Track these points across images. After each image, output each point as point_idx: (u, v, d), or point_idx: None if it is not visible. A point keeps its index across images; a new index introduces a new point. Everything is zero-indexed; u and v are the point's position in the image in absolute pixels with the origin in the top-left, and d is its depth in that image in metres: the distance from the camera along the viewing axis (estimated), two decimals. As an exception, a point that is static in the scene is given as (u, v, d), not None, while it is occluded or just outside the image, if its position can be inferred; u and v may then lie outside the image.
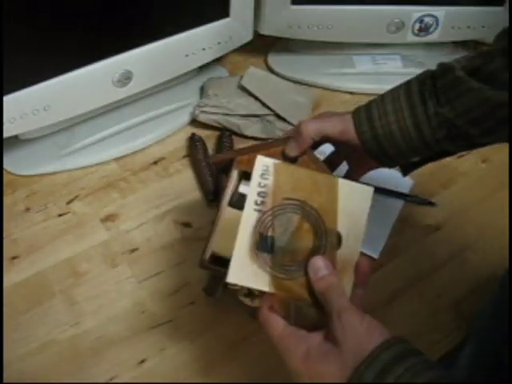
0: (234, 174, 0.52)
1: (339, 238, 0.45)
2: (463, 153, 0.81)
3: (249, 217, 0.45)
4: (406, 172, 0.60)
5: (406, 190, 0.76)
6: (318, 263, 0.43)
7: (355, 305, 0.42)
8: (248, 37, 0.84)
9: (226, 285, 0.61)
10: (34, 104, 0.67)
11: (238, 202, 0.50)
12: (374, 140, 0.53)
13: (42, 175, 0.76)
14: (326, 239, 0.45)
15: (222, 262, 0.48)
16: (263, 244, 0.44)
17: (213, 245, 0.50)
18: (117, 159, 0.79)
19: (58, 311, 0.63)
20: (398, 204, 0.75)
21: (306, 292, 0.44)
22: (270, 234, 0.44)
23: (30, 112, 0.67)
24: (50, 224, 0.71)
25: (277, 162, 0.46)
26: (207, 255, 0.50)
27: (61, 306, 0.64)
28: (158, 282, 0.66)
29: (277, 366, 0.60)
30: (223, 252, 0.49)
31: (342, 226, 0.46)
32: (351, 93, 0.91)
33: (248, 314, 0.62)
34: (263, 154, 0.47)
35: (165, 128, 0.82)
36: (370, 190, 0.47)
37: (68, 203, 0.73)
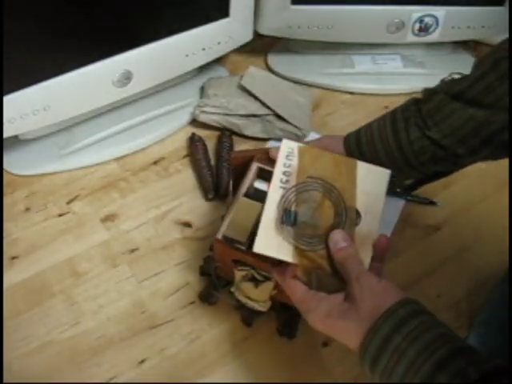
0: (254, 168, 0.56)
1: (358, 215, 0.49)
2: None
3: (274, 193, 0.49)
4: (403, 193, 0.68)
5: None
6: (338, 236, 0.47)
7: None
8: (248, 37, 0.84)
9: (223, 289, 0.62)
10: (33, 104, 0.67)
11: (253, 194, 0.55)
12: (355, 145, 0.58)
13: (41, 175, 0.76)
14: (346, 215, 0.48)
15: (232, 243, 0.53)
16: (287, 218, 0.48)
17: (225, 229, 0.54)
18: (117, 159, 0.79)
19: (57, 311, 0.63)
20: (400, 203, 0.75)
21: (327, 262, 0.47)
22: (293, 209, 0.48)
23: (30, 112, 0.67)
24: (50, 224, 0.71)
25: (301, 144, 0.51)
26: (219, 236, 0.54)
27: (61, 305, 0.64)
28: (158, 281, 0.66)
29: (277, 366, 0.60)
30: (234, 235, 0.54)
31: (361, 204, 0.49)
32: (351, 93, 0.91)
33: (243, 321, 0.62)
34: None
35: (165, 128, 0.82)
36: (387, 172, 0.51)
37: (68, 203, 0.73)
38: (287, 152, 0.50)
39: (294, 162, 0.50)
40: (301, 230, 0.47)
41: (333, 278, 0.46)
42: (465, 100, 0.51)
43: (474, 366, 0.37)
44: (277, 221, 0.48)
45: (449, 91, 0.53)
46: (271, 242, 0.47)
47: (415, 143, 0.54)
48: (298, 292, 0.47)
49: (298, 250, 0.47)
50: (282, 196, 0.48)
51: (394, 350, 0.40)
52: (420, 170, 0.57)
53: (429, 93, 0.55)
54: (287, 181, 0.49)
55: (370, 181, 0.50)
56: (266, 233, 0.47)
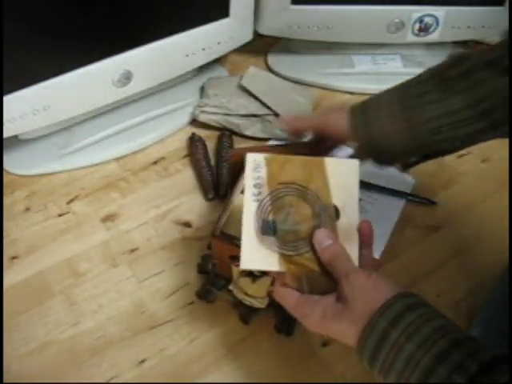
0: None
1: (337, 210, 0.49)
2: (463, 152, 0.81)
3: (249, 207, 0.48)
4: (405, 169, 0.61)
5: (407, 189, 0.76)
6: (321, 235, 0.47)
7: (365, 264, 0.47)
8: (248, 37, 0.84)
9: (221, 288, 0.63)
10: (33, 104, 0.67)
11: None
12: (369, 143, 0.54)
13: (41, 175, 0.76)
14: (325, 214, 0.48)
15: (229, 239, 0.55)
16: (266, 228, 0.47)
17: (222, 225, 0.55)
18: (117, 159, 0.79)
19: (57, 311, 0.63)
20: (400, 203, 0.75)
21: (315, 264, 0.47)
22: (271, 218, 0.48)
23: (30, 112, 0.67)
24: (50, 224, 0.71)
25: (266, 155, 0.50)
26: (217, 232, 0.56)
27: (61, 305, 0.64)
28: (158, 281, 0.66)
29: (276, 366, 0.60)
30: (231, 231, 0.55)
31: (337, 199, 0.49)
32: (351, 93, 0.91)
33: (241, 319, 0.62)
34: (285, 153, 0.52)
35: (165, 128, 0.82)
36: (356, 162, 0.51)
37: (68, 203, 0.73)
38: (254, 165, 0.50)
39: (263, 173, 0.50)
40: (283, 237, 0.47)
41: (323, 278, 0.46)
42: (498, 68, 0.48)
43: (472, 358, 0.37)
44: (257, 233, 0.47)
45: (482, 57, 0.49)
46: (256, 256, 0.47)
47: (427, 122, 0.51)
48: (290, 299, 0.46)
49: (284, 257, 0.47)
50: (258, 207, 0.48)
51: (392, 345, 0.40)
52: (430, 149, 0.54)
53: (459, 57, 0.51)
54: (259, 193, 0.49)
55: (340, 174, 0.50)
56: (249, 247, 0.47)
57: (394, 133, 0.53)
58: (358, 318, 0.42)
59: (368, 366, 0.42)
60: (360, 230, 0.48)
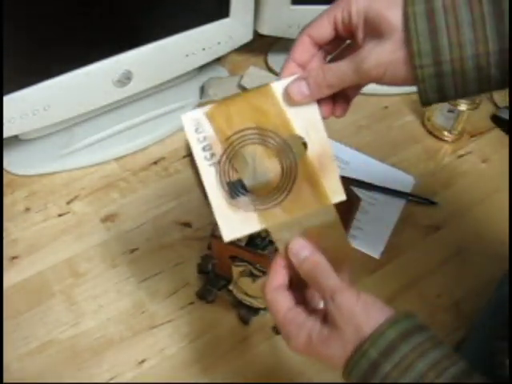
0: None
1: (302, 140, 0.43)
2: (463, 152, 0.81)
3: (207, 174, 0.43)
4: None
5: (407, 189, 0.76)
6: (296, 246, 0.43)
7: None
8: (248, 37, 0.84)
9: (221, 288, 0.63)
10: (33, 104, 0.67)
11: None
12: (434, 79, 0.38)
13: (41, 175, 0.76)
14: (292, 151, 0.43)
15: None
16: (235, 190, 0.43)
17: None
18: (117, 159, 0.79)
19: (57, 311, 0.63)
20: (400, 203, 0.75)
21: (297, 207, 0.43)
22: (235, 177, 0.43)
23: (30, 112, 0.67)
24: (50, 224, 0.71)
25: (205, 109, 0.43)
26: (217, 232, 0.51)
27: (61, 305, 0.64)
28: (158, 281, 0.66)
29: (277, 366, 0.60)
30: None
31: (299, 127, 0.43)
32: (351, 93, 0.91)
33: (241, 319, 0.63)
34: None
35: (165, 128, 0.82)
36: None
37: (68, 203, 0.73)
38: (194, 126, 0.43)
39: (207, 130, 0.43)
40: (255, 194, 0.43)
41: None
42: None
43: None
44: (226, 199, 0.43)
45: None
46: (234, 223, 0.43)
47: None
48: (280, 312, 0.42)
49: (263, 214, 0.43)
50: (216, 172, 0.43)
51: (382, 378, 0.37)
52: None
53: None
54: (212, 154, 0.43)
55: (287, 97, 0.43)
56: (224, 218, 0.43)
57: (479, 69, 0.38)
58: (347, 344, 0.39)
59: None
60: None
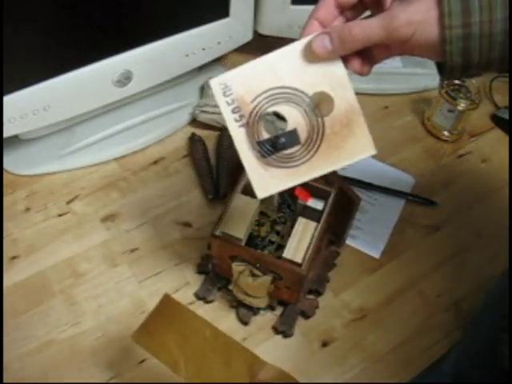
0: None
1: (328, 96, 0.44)
2: (463, 152, 0.81)
3: (239, 135, 0.44)
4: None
5: (407, 189, 0.76)
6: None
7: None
8: (248, 37, 0.84)
9: (221, 288, 0.63)
10: (33, 104, 0.67)
11: (250, 191, 0.52)
12: (461, 40, 0.39)
13: (41, 175, 0.76)
14: (318, 108, 0.44)
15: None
16: (265, 149, 0.44)
17: (222, 225, 0.56)
18: (117, 159, 0.79)
19: (58, 311, 0.63)
20: (400, 203, 0.75)
21: (325, 164, 0.44)
22: (265, 137, 0.44)
23: (30, 112, 0.67)
24: (50, 224, 0.71)
25: (229, 73, 0.44)
26: (217, 232, 0.56)
27: (61, 305, 0.64)
28: (158, 281, 0.66)
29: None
30: (231, 231, 0.55)
31: (322, 83, 0.44)
32: (351, 93, 0.91)
33: (239, 319, 0.63)
34: None
35: (165, 128, 0.82)
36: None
37: (68, 203, 0.73)
38: (222, 90, 0.44)
39: (235, 93, 0.44)
40: (285, 151, 0.44)
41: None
42: None
43: None
44: (258, 158, 0.44)
45: None
46: (266, 181, 0.44)
47: None
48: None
49: (293, 171, 0.44)
50: (246, 132, 0.44)
51: None
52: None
53: None
54: (241, 116, 0.44)
55: (311, 53, 0.44)
56: (256, 176, 0.44)
57: (506, 33, 0.39)
58: None
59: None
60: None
